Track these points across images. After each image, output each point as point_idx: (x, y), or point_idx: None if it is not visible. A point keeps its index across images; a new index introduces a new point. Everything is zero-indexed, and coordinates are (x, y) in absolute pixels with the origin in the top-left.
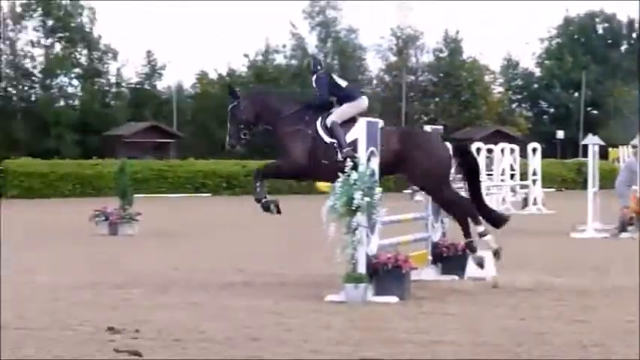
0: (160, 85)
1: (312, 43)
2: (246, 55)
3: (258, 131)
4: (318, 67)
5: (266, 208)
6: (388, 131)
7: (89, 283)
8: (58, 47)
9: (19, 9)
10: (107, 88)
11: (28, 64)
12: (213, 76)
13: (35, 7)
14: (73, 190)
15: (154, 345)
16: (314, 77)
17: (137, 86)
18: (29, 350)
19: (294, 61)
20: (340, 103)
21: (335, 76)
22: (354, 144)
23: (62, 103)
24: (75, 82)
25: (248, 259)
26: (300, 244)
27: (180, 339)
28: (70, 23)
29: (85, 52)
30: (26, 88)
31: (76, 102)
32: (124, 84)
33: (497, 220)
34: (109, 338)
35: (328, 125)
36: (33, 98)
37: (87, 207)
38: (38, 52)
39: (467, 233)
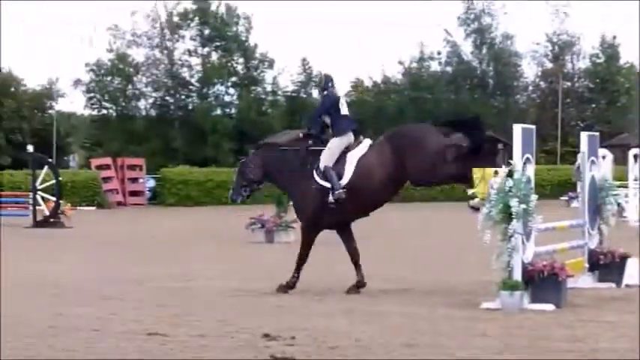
0: (316, 92)
1: (467, 49)
2: (400, 63)
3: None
4: (329, 85)
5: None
6: (380, 144)
7: (245, 290)
8: (214, 56)
9: (176, 19)
10: (263, 96)
11: (185, 73)
12: (368, 83)
13: (192, 16)
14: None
15: (310, 352)
16: (324, 93)
17: (293, 94)
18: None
19: (448, 68)
20: (332, 126)
21: (342, 100)
22: (352, 184)
23: (219, 111)
24: (231, 90)
25: (404, 265)
26: (455, 251)
27: (335, 346)
28: (227, 32)
29: (241, 60)
30: (183, 97)
31: (233, 110)
32: (279, 92)
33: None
34: (264, 345)
35: (322, 170)
36: (190, 107)
37: (243, 215)
38: (195, 61)
39: None
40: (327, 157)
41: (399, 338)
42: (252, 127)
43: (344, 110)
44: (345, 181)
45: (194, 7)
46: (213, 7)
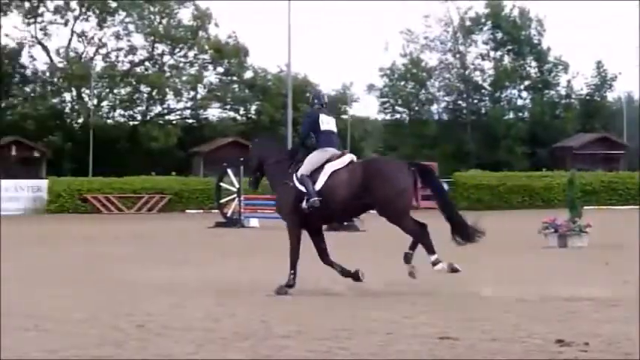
0: (611, 95)
1: None
2: None
3: None
4: (315, 101)
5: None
6: (356, 165)
7: (538, 295)
8: (506, 60)
9: (468, 23)
10: (557, 99)
11: (477, 77)
12: None
13: (484, 20)
14: (522, 202)
15: (603, 358)
16: (307, 111)
17: (587, 97)
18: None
19: None
20: (317, 141)
21: (322, 116)
22: (321, 193)
23: (511, 115)
24: (524, 94)
25: None
26: None
27: (630, 352)
28: (519, 35)
29: (534, 64)
30: (476, 101)
31: (526, 114)
32: (573, 95)
33: (471, 234)
34: (557, 350)
35: (299, 177)
36: (483, 111)
37: (536, 219)
38: (487, 65)
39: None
40: (305, 167)
41: None
42: (545, 130)
43: (324, 127)
44: (316, 188)
45: (486, 10)
46: (506, 11)
